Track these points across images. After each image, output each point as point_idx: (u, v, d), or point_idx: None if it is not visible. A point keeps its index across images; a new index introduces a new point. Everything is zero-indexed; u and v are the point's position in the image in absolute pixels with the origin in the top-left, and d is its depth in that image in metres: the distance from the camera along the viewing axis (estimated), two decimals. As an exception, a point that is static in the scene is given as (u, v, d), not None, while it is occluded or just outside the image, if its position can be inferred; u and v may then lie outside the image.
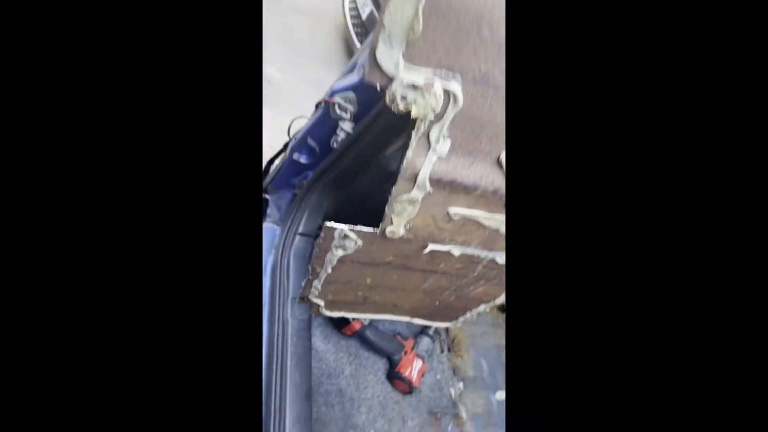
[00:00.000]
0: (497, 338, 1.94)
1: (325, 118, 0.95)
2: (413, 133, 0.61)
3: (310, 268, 0.99)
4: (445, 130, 0.60)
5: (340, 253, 0.89)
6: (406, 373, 1.59)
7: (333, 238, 0.85)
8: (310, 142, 1.07)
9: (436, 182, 0.68)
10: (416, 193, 0.71)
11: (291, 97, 2.47)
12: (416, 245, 0.88)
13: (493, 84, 0.55)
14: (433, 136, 0.60)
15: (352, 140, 0.90)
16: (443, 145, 0.62)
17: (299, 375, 1.04)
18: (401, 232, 0.82)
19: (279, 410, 0.97)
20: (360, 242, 0.86)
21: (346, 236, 0.84)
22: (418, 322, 1.64)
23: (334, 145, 0.97)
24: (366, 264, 0.96)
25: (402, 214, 0.76)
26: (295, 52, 2.77)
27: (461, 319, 1.58)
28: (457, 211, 0.76)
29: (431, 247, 0.89)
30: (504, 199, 0.73)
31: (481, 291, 1.20)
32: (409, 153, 0.64)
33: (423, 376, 1.66)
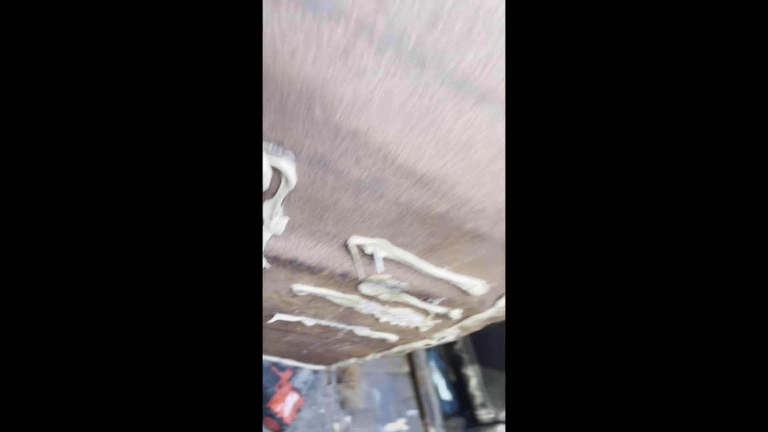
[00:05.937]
0: (392, 366, 1.83)
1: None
2: None
3: None
4: (279, 208, 0.54)
5: None
6: (277, 409, 1.39)
7: None
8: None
9: (274, 259, 0.66)
10: None
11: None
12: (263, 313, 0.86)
13: (333, 169, 0.48)
14: (265, 212, 0.55)
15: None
16: (279, 223, 0.57)
17: None
18: None
19: None
20: None
21: None
22: (289, 363, 1.46)
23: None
24: None
25: None
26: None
27: (335, 366, 1.46)
28: (302, 288, 0.73)
29: (278, 317, 0.87)
30: (356, 280, 0.72)
31: (349, 349, 1.16)
32: None
33: (299, 411, 1.46)
